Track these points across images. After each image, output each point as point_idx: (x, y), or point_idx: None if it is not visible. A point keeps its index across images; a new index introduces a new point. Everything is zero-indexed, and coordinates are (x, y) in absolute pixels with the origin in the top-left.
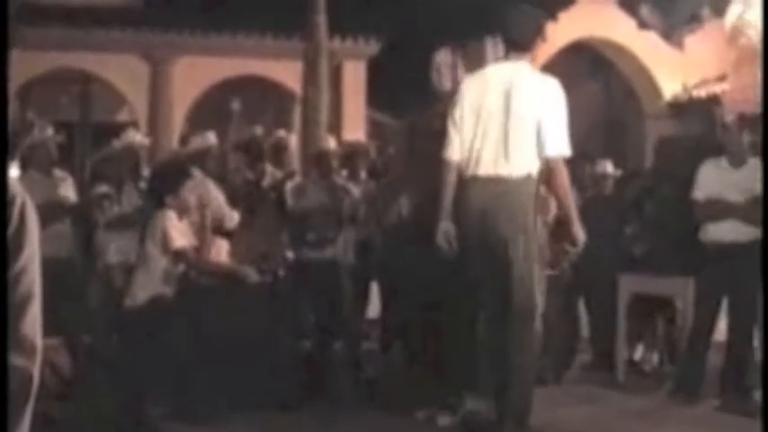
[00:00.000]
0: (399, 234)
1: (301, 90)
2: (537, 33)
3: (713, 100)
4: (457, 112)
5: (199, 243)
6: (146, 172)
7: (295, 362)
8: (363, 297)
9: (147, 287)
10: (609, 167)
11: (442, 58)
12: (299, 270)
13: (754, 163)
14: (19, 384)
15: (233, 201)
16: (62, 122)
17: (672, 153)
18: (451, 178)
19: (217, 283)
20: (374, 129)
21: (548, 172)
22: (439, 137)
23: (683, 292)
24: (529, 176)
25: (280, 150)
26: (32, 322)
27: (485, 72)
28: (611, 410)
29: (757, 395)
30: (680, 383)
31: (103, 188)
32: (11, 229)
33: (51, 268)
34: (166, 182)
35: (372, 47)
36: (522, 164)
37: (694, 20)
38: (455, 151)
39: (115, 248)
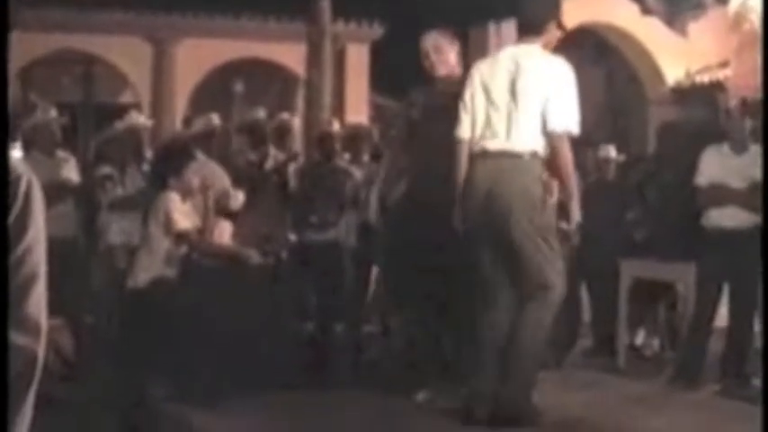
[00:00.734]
0: (399, 215)
1: (304, 73)
2: (550, 18)
3: (716, 86)
4: (467, 94)
5: (202, 225)
6: (149, 154)
7: (297, 344)
8: (365, 280)
9: (150, 269)
10: (612, 152)
11: (430, 42)
12: (302, 252)
13: (756, 149)
14: (23, 364)
15: (236, 183)
16: (65, 104)
17: (674, 139)
18: (463, 158)
19: (219, 265)
20: (377, 112)
21: (551, 150)
22: (437, 117)
23: (684, 277)
24: (535, 154)
25: (283, 133)
26: (37, 302)
27: (497, 54)
28: (611, 395)
29: (757, 381)
30: (681, 369)
31: (106, 169)
32: (16, 209)
33: (54, 249)
34: (170, 163)
35: (376, 30)
36: (528, 140)
37: (698, 6)
38: (465, 130)
39: (118, 230)
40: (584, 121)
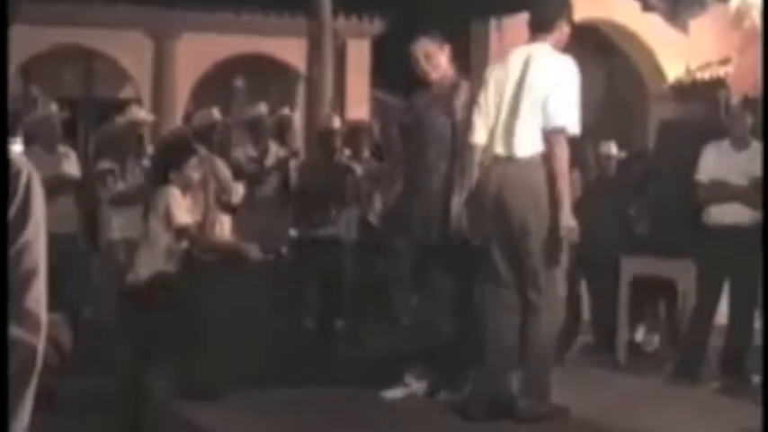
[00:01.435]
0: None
1: (305, 68)
2: (560, 16)
3: (717, 83)
4: (481, 98)
5: (202, 220)
6: (149, 148)
7: (297, 339)
8: (366, 275)
9: (150, 263)
10: (613, 149)
11: (420, 49)
12: (302, 248)
13: (757, 146)
14: (23, 358)
15: (236, 178)
16: (66, 99)
17: (675, 135)
18: (476, 161)
19: (220, 260)
20: (378, 108)
21: (547, 148)
22: (430, 120)
23: (684, 274)
24: (538, 156)
25: (283, 128)
26: (37, 297)
27: (507, 57)
28: (611, 392)
29: (757, 378)
30: (681, 365)
31: (107, 164)
32: (16, 203)
33: (54, 244)
34: (171, 158)
35: (376, 26)
36: (531, 143)
37: (698, 3)
38: (479, 136)
39: (118, 224)
40: (585, 118)
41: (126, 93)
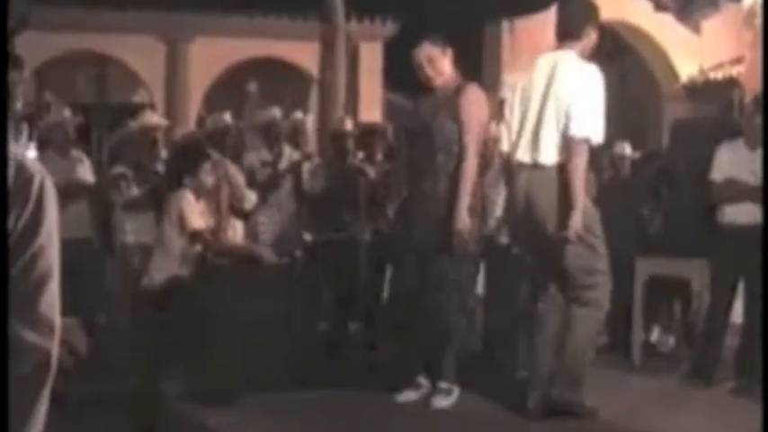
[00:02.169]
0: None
1: (318, 71)
2: (587, 22)
3: (730, 82)
4: (507, 105)
5: (215, 224)
6: (163, 153)
7: (311, 343)
8: (380, 278)
9: (164, 268)
10: (627, 149)
11: (423, 55)
12: (316, 251)
13: None
14: (36, 362)
15: (250, 182)
16: (79, 104)
17: (688, 135)
18: (505, 169)
19: (233, 264)
20: (391, 110)
21: (567, 153)
22: (435, 125)
23: (699, 273)
24: (562, 163)
25: (297, 132)
26: (50, 301)
27: (534, 64)
28: (626, 392)
29: None
30: (696, 366)
31: (120, 169)
32: (29, 209)
33: (69, 249)
34: (185, 163)
35: (389, 28)
36: (555, 151)
37: (711, 3)
38: (505, 143)
39: (132, 229)
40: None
41: (139, 97)
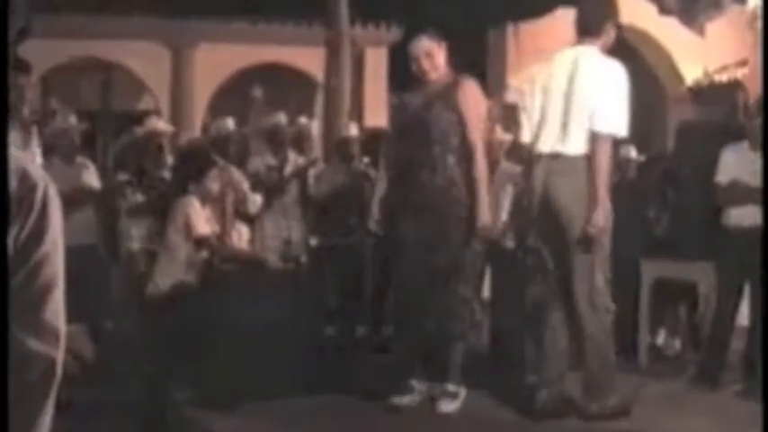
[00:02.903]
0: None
1: (323, 77)
2: (608, 18)
3: (734, 84)
4: (527, 96)
5: (221, 230)
6: (169, 159)
7: (318, 348)
8: (385, 281)
9: (170, 274)
10: (632, 152)
11: (422, 48)
12: (322, 256)
13: None
14: (41, 371)
15: (255, 187)
16: (84, 110)
17: (693, 138)
18: (525, 161)
19: (239, 270)
20: None
21: (591, 150)
22: (427, 120)
23: (705, 276)
24: (586, 155)
25: (302, 138)
26: (55, 309)
27: (554, 57)
28: (632, 395)
29: None
30: (702, 369)
31: (126, 175)
32: (33, 216)
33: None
34: (190, 169)
35: (394, 33)
36: (580, 143)
37: (715, 6)
38: (526, 134)
39: (137, 235)
40: None
41: (144, 104)
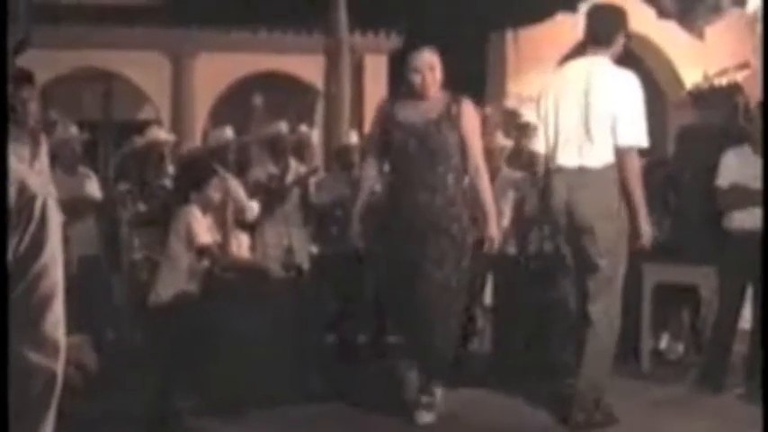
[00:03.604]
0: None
1: (323, 85)
2: (618, 29)
3: (734, 88)
4: (541, 108)
5: (222, 238)
6: (170, 168)
7: (319, 355)
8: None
9: (172, 283)
10: None
11: (426, 60)
12: (323, 264)
13: None
14: (42, 384)
15: (256, 195)
16: (85, 121)
17: (694, 141)
18: (541, 172)
19: (241, 278)
20: None
21: (618, 163)
22: (424, 134)
23: (707, 280)
24: (610, 166)
25: (302, 146)
26: (54, 321)
27: (564, 69)
28: (635, 400)
29: None
30: (705, 373)
31: (127, 185)
32: (31, 228)
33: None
34: (192, 178)
35: (393, 41)
36: (603, 155)
37: (714, 9)
38: (541, 145)
39: (139, 245)
40: None
41: (145, 113)
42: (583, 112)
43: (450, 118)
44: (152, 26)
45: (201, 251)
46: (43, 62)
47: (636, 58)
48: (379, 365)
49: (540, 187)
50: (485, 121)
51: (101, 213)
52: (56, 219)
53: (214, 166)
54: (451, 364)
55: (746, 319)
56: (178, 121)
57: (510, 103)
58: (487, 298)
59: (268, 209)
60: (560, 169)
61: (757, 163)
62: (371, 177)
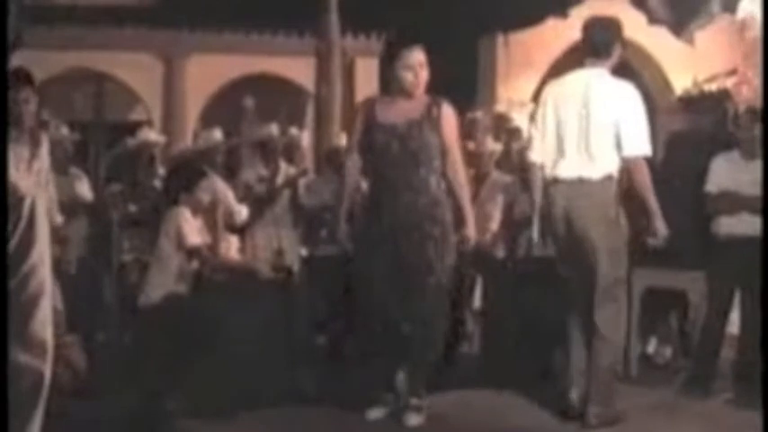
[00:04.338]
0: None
1: (314, 87)
2: (615, 40)
3: (724, 94)
4: (539, 117)
5: (212, 240)
6: (160, 170)
7: (310, 357)
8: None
9: (161, 284)
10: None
11: (419, 58)
12: (313, 265)
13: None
14: (30, 382)
15: (246, 198)
16: (77, 121)
17: (683, 147)
18: (538, 181)
19: (231, 280)
20: None
21: (628, 171)
22: (406, 135)
23: (696, 285)
24: (610, 177)
25: (292, 148)
26: (42, 320)
27: (564, 79)
28: (623, 404)
29: None
30: (693, 377)
31: (118, 186)
32: (20, 229)
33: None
34: (182, 180)
35: (385, 44)
36: (603, 166)
37: (704, 15)
38: (537, 153)
39: (129, 246)
40: None
41: (136, 114)
42: (583, 124)
43: (432, 120)
44: (144, 27)
45: (191, 252)
46: (35, 63)
47: (626, 63)
48: (367, 367)
49: (538, 199)
50: (474, 125)
51: (91, 214)
52: (44, 220)
53: (203, 167)
54: (440, 365)
55: (735, 323)
56: (169, 123)
57: (500, 107)
58: (476, 301)
59: (258, 211)
60: (559, 180)
61: (748, 169)
62: (354, 174)
